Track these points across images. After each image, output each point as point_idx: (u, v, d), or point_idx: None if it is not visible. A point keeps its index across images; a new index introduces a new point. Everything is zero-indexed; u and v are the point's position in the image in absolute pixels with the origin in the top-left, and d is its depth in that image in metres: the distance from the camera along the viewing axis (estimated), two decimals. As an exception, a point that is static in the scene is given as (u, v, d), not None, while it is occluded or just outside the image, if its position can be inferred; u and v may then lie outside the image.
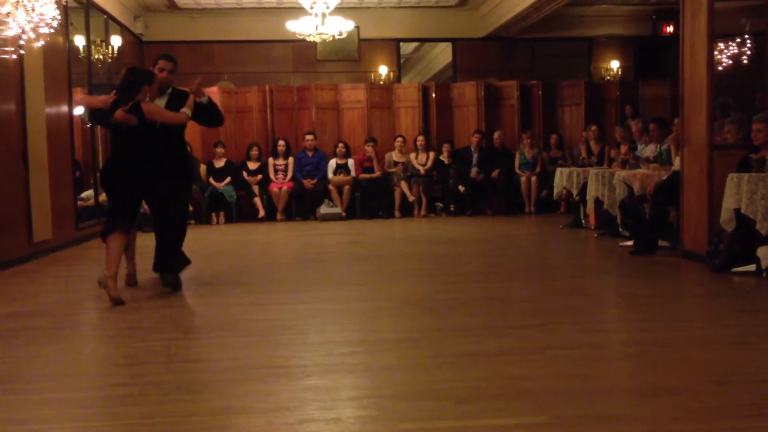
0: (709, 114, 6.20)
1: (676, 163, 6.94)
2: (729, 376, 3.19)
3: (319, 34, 10.75)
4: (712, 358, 3.52)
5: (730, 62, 12.62)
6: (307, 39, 11.01)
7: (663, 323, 4.22)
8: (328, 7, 10.47)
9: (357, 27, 12.42)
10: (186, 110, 5.44)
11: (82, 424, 2.83)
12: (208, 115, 5.72)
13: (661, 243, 6.96)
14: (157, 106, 5.41)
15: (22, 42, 7.12)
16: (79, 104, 5.98)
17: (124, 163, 5.28)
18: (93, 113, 5.60)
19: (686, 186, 6.54)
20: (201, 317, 4.82)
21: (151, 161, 5.28)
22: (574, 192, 9.19)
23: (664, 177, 6.98)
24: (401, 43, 13.91)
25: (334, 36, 10.91)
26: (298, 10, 11.10)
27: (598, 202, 8.39)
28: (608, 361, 3.59)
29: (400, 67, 14.00)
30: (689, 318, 4.53)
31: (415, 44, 15.67)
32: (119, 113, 5.18)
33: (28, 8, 7.01)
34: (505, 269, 6.49)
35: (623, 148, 8.81)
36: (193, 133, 10.50)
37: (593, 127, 11.03)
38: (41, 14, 7.16)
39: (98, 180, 6.27)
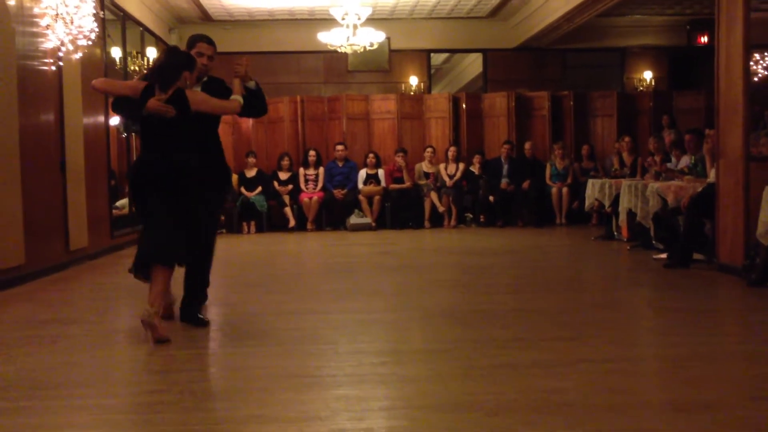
0: (745, 125, 6.12)
1: (711, 175, 6.85)
2: (765, 392, 3.14)
3: (351, 45, 10.81)
4: (749, 373, 3.47)
5: (766, 73, 12.42)
6: (339, 50, 11.09)
7: (698, 337, 4.16)
8: (359, 18, 10.53)
9: (388, 38, 12.47)
10: (237, 97, 4.60)
11: (118, 429, 2.88)
12: (257, 101, 4.82)
13: (695, 256, 6.86)
14: (204, 95, 4.51)
15: (60, 54, 7.31)
16: (99, 88, 4.80)
17: (157, 168, 4.34)
18: (117, 102, 4.64)
19: (721, 198, 6.45)
20: (233, 326, 4.85)
21: (192, 167, 4.38)
22: (607, 203, 9.11)
23: (699, 189, 6.89)
24: (432, 54, 13.94)
25: (365, 47, 10.96)
26: (329, 21, 11.19)
27: (630, 214, 8.30)
28: (642, 375, 3.55)
29: (430, 78, 14.02)
30: (725, 332, 4.47)
31: (445, 55, 15.69)
32: (152, 102, 4.27)
33: (67, 21, 7.19)
34: (536, 281, 6.45)
35: (657, 158, 8.72)
36: (224, 143, 10.59)
37: (626, 138, 10.95)
38: (80, 26, 7.34)
39: (130, 187, 5.00)
